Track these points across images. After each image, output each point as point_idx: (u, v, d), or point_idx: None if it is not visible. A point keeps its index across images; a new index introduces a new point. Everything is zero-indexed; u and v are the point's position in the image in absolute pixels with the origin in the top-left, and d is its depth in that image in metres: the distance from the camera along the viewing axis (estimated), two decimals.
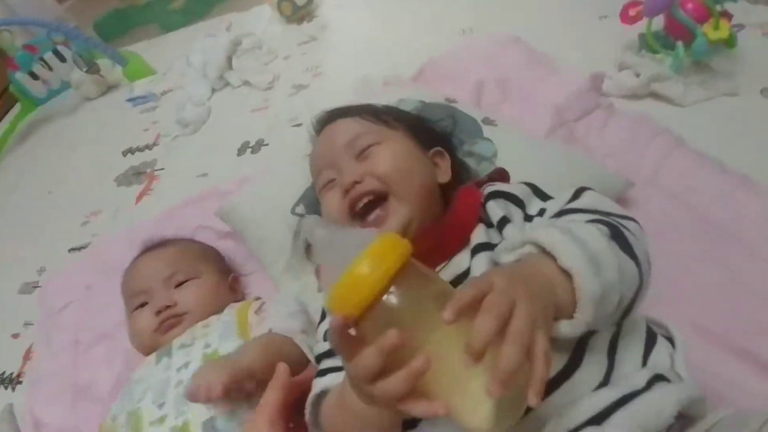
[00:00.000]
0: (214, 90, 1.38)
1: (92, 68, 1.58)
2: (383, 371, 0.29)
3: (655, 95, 0.83)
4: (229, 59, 1.39)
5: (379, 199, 0.51)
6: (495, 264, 0.40)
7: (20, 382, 0.90)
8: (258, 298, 0.67)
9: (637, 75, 0.84)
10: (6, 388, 0.91)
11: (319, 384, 0.45)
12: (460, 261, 0.46)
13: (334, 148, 0.55)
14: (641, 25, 0.90)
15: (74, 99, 1.69)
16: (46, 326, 0.93)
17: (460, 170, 0.60)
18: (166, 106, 1.44)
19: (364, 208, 0.51)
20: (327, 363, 0.47)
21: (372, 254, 0.30)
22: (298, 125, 1.14)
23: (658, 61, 0.86)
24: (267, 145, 1.12)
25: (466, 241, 0.47)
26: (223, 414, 0.48)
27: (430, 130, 0.62)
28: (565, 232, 0.34)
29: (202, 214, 0.95)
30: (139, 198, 1.15)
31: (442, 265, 0.47)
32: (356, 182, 0.51)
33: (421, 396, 0.29)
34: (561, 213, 0.42)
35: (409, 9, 1.43)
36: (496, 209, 0.47)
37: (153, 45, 1.84)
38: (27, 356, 0.93)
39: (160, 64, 1.64)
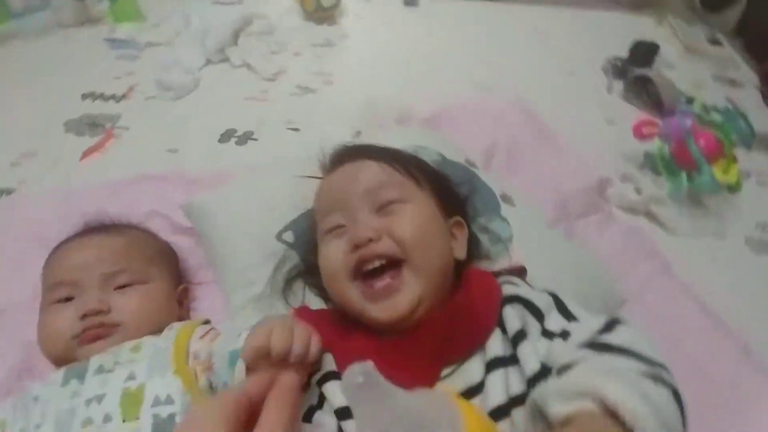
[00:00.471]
0: (208, 61, 1.26)
1: None
2: None
3: (651, 215, 0.86)
4: (235, 35, 1.28)
5: (390, 264, 0.44)
6: (535, 407, 0.34)
7: None
8: (206, 322, 0.56)
9: (638, 191, 0.86)
10: None
11: None
12: (473, 370, 0.40)
13: (352, 191, 0.48)
14: (649, 143, 0.93)
15: (47, 21, 1.47)
16: None
17: (472, 245, 0.55)
18: (147, 61, 1.28)
19: (370, 273, 0.44)
20: None
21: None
22: (295, 129, 1.06)
23: (658, 183, 0.89)
24: (255, 140, 1.02)
25: (479, 342, 0.41)
26: None
27: (454, 195, 0.57)
28: (633, 388, 0.30)
29: (159, 196, 0.83)
30: (86, 153, 0.99)
31: (451, 368, 0.41)
32: (371, 240, 0.44)
33: None
34: (594, 345, 0.37)
35: (429, 44, 1.41)
36: (513, 318, 0.42)
37: None
38: None
39: (152, 12, 1.48)
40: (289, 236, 0.60)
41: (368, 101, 1.10)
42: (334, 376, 0.43)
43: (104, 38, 1.36)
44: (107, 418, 0.42)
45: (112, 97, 1.15)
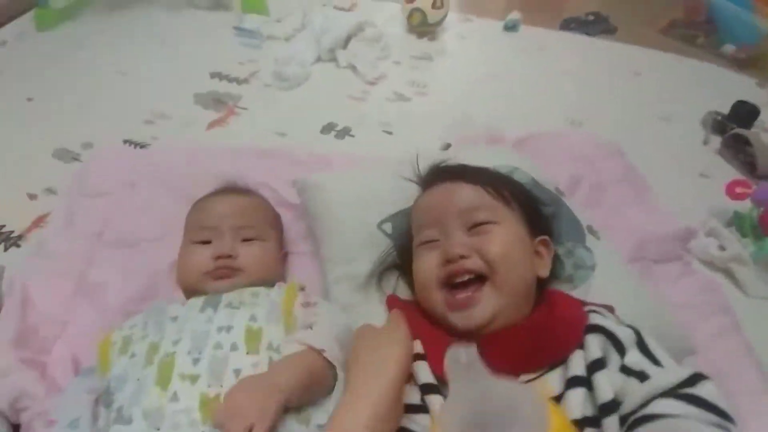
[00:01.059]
0: (319, 59, 1.39)
1: None
2: None
3: (729, 273, 0.85)
4: (348, 38, 1.41)
5: (475, 279, 0.50)
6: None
7: (18, 245, 0.87)
8: (303, 288, 0.65)
9: (722, 248, 0.86)
10: None
11: None
12: (552, 383, 0.44)
13: (447, 210, 0.54)
14: (740, 204, 0.92)
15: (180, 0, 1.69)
16: (74, 204, 0.89)
17: (556, 266, 0.59)
18: (267, 51, 1.44)
19: (457, 284, 0.50)
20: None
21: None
22: (389, 132, 1.15)
23: (742, 243, 0.88)
24: (353, 136, 1.13)
25: (559, 358, 0.45)
26: None
27: (542, 216, 0.61)
28: None
29: (268, 171, 0.94)
30: (211, 125, 1.15)
31: (532, 376, 0.46)
32: (462, 256, 0.50)
33: None
34: (674, 395, 0.39)
35: (524, 70, 1.46)
36: (594, 346, 0.44)
37: None
38: (37, 222, 0.90)
39: (276, 9, 1.65)
40: (388, 227, 0.68)
41: (462, 117, 1.17)
42: (421, 357, 0.49)
43: (233, 26, 1.53)
44: (234, 347, 0.51)
45: (236, 79, 1.31)
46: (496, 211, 0.54)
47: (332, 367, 0.51)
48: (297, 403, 0.47)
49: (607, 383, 0.42)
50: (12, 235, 0.88)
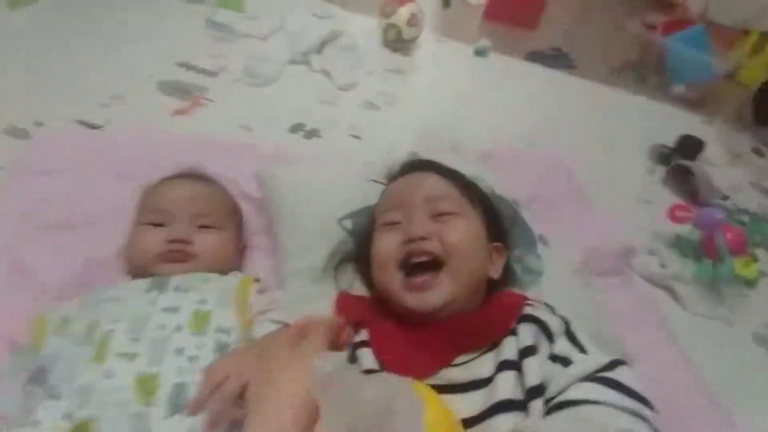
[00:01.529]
0: (292, 61, 1.39)
1: None
2: None
3: (670, 290, 0.91)
4: (322, 44, 1.42)
5: (432, 264, 0.51)
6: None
7: None
8: (257, 279, 0.63)
9: (662, 266, 0.92)
10: None
11: None
12: (484, 366, 0.46)
13: (414, 195, 0.55)
14: (681, 227, 0.99)
15: None
16: (14, 179, 0.84)
17: (507, 272, 0.61)
18: (239, 47, 1.42)
19: (414, 266, 0.51)
20: None
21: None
22: (356, 137, 1.15)
23: (683, 263, 0.94)
24: (320, 138, 1.12)
25: (491, 340, 0.48)
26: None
27: (499, 223, 0.64)
28: None
29: (229, 164, 0.92)
30: (176, 113, 1.11)
31: (464, 359, 0.47)
32: (423, 238, 0.51)
33: None
34: (595, 379, 0.42)
35: (489, 92, 1.52)
36: (527, 334, 0.47)
37: None
38: None
39: (250, 7, 1.64)
40: (348, 224, 0.67)
41: (426, 127, 1.19)
42: (366, 344, 0.50)
43: (206, 18, 1.51)
44: (178, 328, 0.49)
45: (203, 71, 1.28)
46: (460, 205, 0.56)
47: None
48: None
49: (536, 368, 0.44)
50: None
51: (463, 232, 0.53)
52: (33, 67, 1.21)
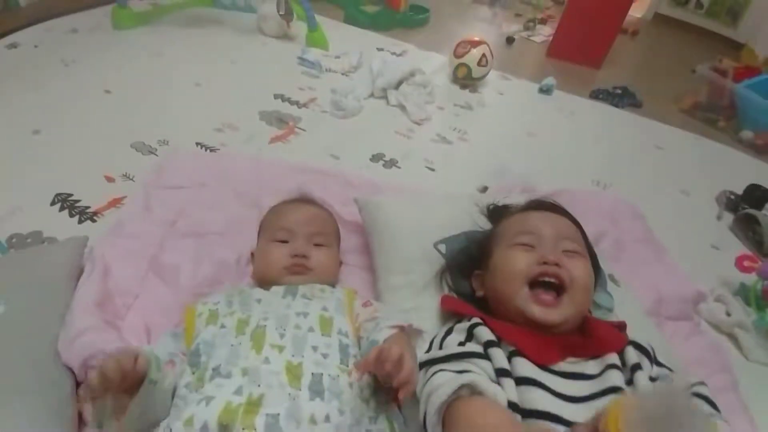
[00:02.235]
0: (372, 95, 1.54)
1: (287, 15, 1.77)
2: None
3: (733, 337, 0.93)
4: (399, 81, 1.56)
5: (556, 288, 0.61)
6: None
7: (94, 221, 0.96)
8: (356, 291, 0.74)
9: (728, 314, 0.94)
10: (73, 216, 0.97)
11: (462, 377, 0.51)
12: (589, 368, 0.57)
13: (549, 229, 0.65)
14: (747, 276, 1.01)
15: (248, 24, 1.87)
16: (150, 192, 1.00)
17: None
18: (325, 82, 1.59)
19: (540, 284, 0.61)
20: (445, 366, 0.55)
21: None
22: (431, 169, 1.27)
23: (746, 311, 0.96)
24: (399, 168, 1.24)
25: (596, 354, 0.57)
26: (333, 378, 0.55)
27: (597, 264, 0.73)
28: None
29: (324, 187, 1.04)
30: (274, 140, 1.27)
31: (575, 361, 0.57)
32: (557, 264, 0.61)
33: None
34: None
35: (554, 130, 1.58)
36: (633, 354, 0.58)
37: (336, 27, 2.04)
38: (114, 203, 1.00)
39: (335, 46, 1.83)
40: (442, 248, 0.78)
41: (500, 166, 1.28)
42: (494, 344, 0.58)
43: (298, 55, 1.70)
44: (310, 329, 0.60)
45: (296, 103, 1.45)
46: (581, 247, 0.67)
47: (421, 333, 0.62)
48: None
49: (646, 380, 0.56)
50: (87, 210, 0.98)
51: (584, 269, 0.63)
52: (152, 88, 1.42)
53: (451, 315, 0.69)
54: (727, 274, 1.06)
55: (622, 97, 1.97)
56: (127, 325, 0.75)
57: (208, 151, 1.19)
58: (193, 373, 0.57)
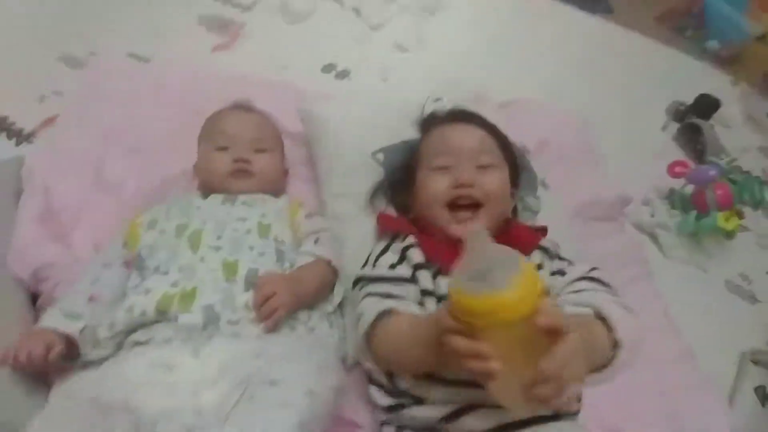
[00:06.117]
0: None
1: None
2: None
3: (654, 237, 1.02)
4: None
5: (473, 204, 0.65)
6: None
7: (31, 142, 0.93)
8: (301, 203, 0.77)
9: (651, 215, 1.02)
10: (10, 139, 0.93)
11: (384, 303, 0.56)
12: None
13: (464, 146, 0.67)
14: (678, 182, 1.08)
15: None
16: (83, 106, 0.95)
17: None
18: None
19: (458, 205, 0.65)
20: (374, 288, 0.59)
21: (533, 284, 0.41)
22: (385, 80, 1.23)
23: (670, 214, 1.05)
24: (350, 79, 1.20)
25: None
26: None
27: (518, 171, 0.76)
28: (620, 309, 0.52)
29: (270, 100, 0.99)
30: (216, 48, 1.19)
31: None
32: (470, 185, 0.64)
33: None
34: (583, 278, 0.59)
35: (518, 41, 1.52)
36: (537, 256, 0.65)
37: None
38: (48, 122, 0.95)
39: None
40: (380, 157, 0.79)
41: (451, 74, 1.25)
42: (422, 267, 0.62)
43: None
44: (248, 231, 0.64)
45: (239, 5, 1.32)
46: (497, 157, 0.69)
47: (336, 273, 0.65)
48: (305, 306, 0.61)
49: (545, 278, 0.62)
50: (23, 132, 0.94)
51: (498, 181, 0.67)
52: None
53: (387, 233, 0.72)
54: (660, 181, 1.13)
55: (595, 2, 1.88)
56: (75, 241, 0.76)
57: (142, 62, 1.11)
58: (138, 276, 0.61)
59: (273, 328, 0.56)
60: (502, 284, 0.39)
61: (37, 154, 0.86)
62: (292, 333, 0.59)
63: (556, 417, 0.54)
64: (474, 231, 0.44)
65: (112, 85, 1.00)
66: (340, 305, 0.68)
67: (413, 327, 0.52)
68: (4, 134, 0.93)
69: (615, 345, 0.49)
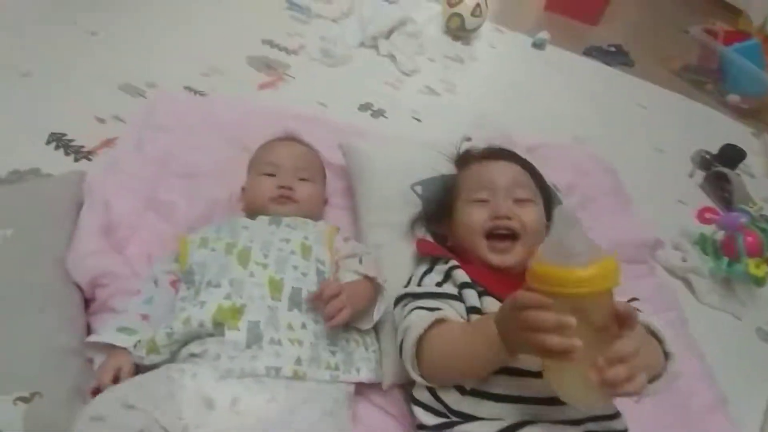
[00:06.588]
0: (362, 44, 1.53)
1: None
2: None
3: (687, 282, 1.02)
4: (390, 30, 1.54)
5: (510, 236, 0.67)
6: None
7: (89, 159, 0.99)
8: (338, 228, 0.80)
9: (684, 260, 1.02)
10: (68, 155, 0.99)
11: (435, 314, 0.58)
12: None
13: (502, 181, 0.70)
14: (706, 228, 1.08)
15: None
16: (142, 133, 1.02)
17: None
18: (314, 28, 1.57)
19: (496, 236, 0.67)
20: (421, 302, 0.61)
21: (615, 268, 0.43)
22: (418, 120, 1.29)
23: (702, 259, 1.04)
24: (386, 117, 1.27)
25: None
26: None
27: (551, 207, 0.78)
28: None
29: (311, 133, 1.06)
30: (262, 86, 1.28)
31: None
32: (508, 217, 0.67)
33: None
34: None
35: (543, 85, 1.60)
36: None
37: None
38: (107, 143, 1.02)
39: None
40: (418, 189, 0.83)
41: (481, 116, 1.31)
42: (468, 285, 0.64)
43: None
44: (292, 252, 0.67)
45: (285, 49, 1.44)
46: (533, 193, 0.73)
47: (381, 289, 0.67)
48: (351, 322, 0.64)
49: None
50: (82, 149, 1.01)
51: (534, 214, 0.69)
52: (139, 29, 1.38)
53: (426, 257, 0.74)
54: (689, 226, 1.14)
55: (615, 56, 1.97)
56: (129, 253, 0.80)
57: (197, 95, 1.20)
58: (188, 289, 0.64)
59: (338, 326, 0.58)
60: (586, 263, 0.41)
61: (98, 171, 0.93)
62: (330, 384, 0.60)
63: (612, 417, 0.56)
64: (562, 210, 0.46)
65: (168, 114, 1.08)
66: (375, 328, 0.70)
67: (468, 330, 0.54)
68: (61, 150, 1.01)
69: (666, 357, 0.53)
